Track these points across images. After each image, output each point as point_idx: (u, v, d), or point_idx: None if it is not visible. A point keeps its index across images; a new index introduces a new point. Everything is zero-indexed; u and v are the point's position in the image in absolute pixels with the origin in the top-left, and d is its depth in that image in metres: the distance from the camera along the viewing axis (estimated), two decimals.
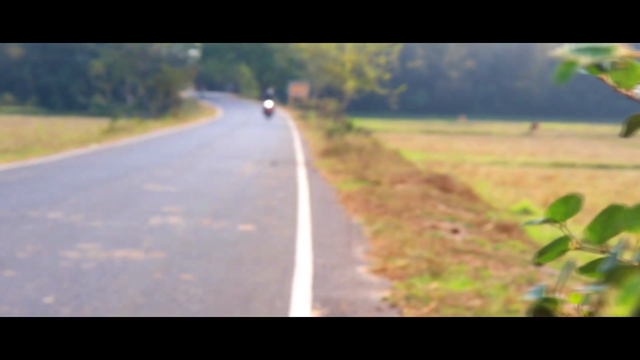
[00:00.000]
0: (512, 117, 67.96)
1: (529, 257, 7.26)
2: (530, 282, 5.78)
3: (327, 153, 18.36)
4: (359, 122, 31.23)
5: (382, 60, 27.66)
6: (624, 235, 0.74)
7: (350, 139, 22.51)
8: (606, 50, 0.73)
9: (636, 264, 0.69)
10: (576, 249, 0.83)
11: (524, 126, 46.44)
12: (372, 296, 5.29)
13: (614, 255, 0.70)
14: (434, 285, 5.50)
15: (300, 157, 17.86)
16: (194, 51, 69.18)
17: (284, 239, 7.24)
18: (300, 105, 54.89)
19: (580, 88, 79.73)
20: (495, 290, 5.38)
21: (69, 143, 19.58)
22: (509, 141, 33.71)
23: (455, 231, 8.09)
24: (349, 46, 27.79)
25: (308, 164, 15.96)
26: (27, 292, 4.92)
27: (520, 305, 5.04)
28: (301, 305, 4.96)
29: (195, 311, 4.70)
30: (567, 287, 0.78)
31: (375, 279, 5.82)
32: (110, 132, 24.84)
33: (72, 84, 61.09)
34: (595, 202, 13.63)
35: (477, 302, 5.08)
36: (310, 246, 6.91)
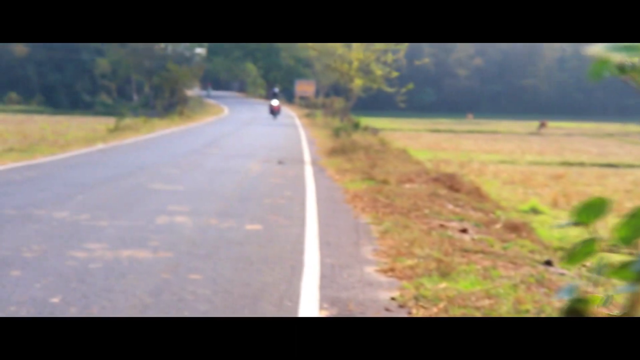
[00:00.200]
0: (519, 115, 67.77)
1: (539, 256, 7.20)
2: (540, 282, 5.72)
3: (334, 152, 18.32)
4: (366, 121, 31.18)
5: (389, 58, 27.59)
6: None
7: (357, 137, 22.46)
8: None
9: None
10: (605, 250, 0.84)
11: (532, 125, 46.29)
12: (381, 296, 5.24)
13: None
14: (443, 285, 5.44)
15: (307, 155, 17.82)
16: (200, 49, 69.23)
17: (291, 238, 7.20)
18: (307, 104, 54.88)
19: (589, 86, 79.46)
20: (505, 290, 5.32)
21: (75, 142, 19.59)
22: (517, 140, 33.61)
23: (463, 230, 8.04)
24: (356, 44, 27.71)
25: (315, 162, 15.92)
26: (34, 292, 4.90)
27: (530, 305, 4.99)
28: (309, 305, 4.91)
29: (204, 311, 4.67)
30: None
31: (383, 278, 5.77)
32: (116, 130, 24.84)
33: (78, 83, 61.15)
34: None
35: (486, 302, 5.03)
36: (318, 246, 6.87)
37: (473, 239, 7.63)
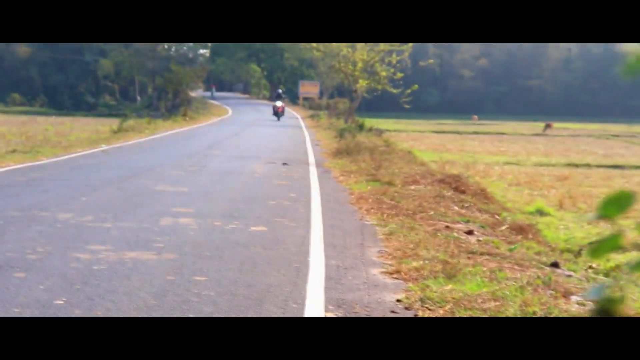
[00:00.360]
0: (525, 116, 67.60)
1: (545, 258, 7.15)
2: (547, 284, 5.67)
3: (339, 153, 18.28)
4: (371, 122, 31.11)
5: (393, 59, 27.55)
6: None
7: (362, 138, 22.40)
8: None
9: None
10: (632, 245, 0.82)
11: (537, 126, 46.19)
12: (387, 298, 5.21)
13: None
14: (449, 287, 5.40)
15: (311, 157, 17.78)
16: (203, 50, 69.26)
17: (296, 240, 7.16)
18: (311, 105, 54.84)
19: (594, 87, 79.29)
20: (511, 292, 5.28)
21: (78, 143, 19.60)
22: (522, 141, 33.53)
23: (469, 232, 7.99)
24: (360, 45, 27.68)
25: (319, 164, 15.88)
26: (38, 293, 4.87)
27: (537, 307, 4.94)
28: (315, 307, 4.88)
29: (208, 313, 4.64)
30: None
31: (389, 280, 5.73)
32: (119, 132, 24.84)
33: (81, 84, 61.17)
34: None
35: (492, 304, 4.98)
36: (323, 247, 6.83)
37: (479, 241, 7.58)
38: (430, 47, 73.66)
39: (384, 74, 27.72)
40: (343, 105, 43.04)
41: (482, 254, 6.77)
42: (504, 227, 8.85)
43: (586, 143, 33.07)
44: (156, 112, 44.44)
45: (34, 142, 18.86)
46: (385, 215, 8.71)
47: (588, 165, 21.23)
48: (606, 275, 6.98)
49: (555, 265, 6.75)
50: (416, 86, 27.34)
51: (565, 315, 4.87)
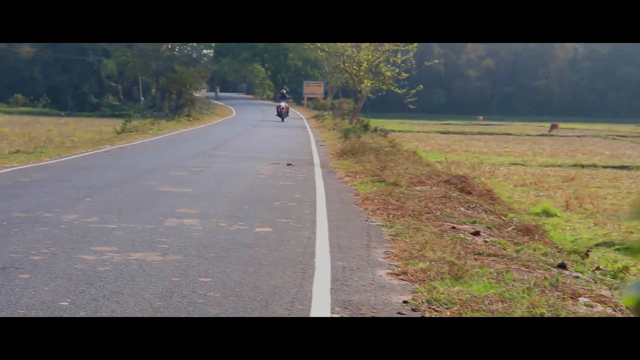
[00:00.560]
0: (531, 117, 67.40)
1: (552, 259, 7.10)
2: (555, 285, 5.63)
3: (344, 154, 18.24)
4: (376, 122, 31.05)
5: (398, 59, 27.48)
6: None
7: (367, 139, 22.35)
8: None
9: None
10: None
11: (543, 126, 46.05)
12: (393, 300, 5.17)
13: None
14: (456, 288, 5.36)
15: (316, 157, 17.75)
16: (207, 50, 69.21)
17: (302, 241, 7.13)
18: (316, 105, 54.79)
19: (601, 87, 79.03)
20: (519, 294, 5.24)
21: (82, 144, 19.60)
22: (528, 141, 33.42)
23: (476, 233, 7.95)
24: (365, 45, 27.62)
25: (324, 164, 15.85)
26: (43, 295, 4.84)
27: (544, 309, 4.89)
28: (321, 308, 4.84)
29: (214, 314, 4.61)
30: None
31: (395, 282, 5.69)
32: (123, 132, 24.85)
33: (84, 84, 61.15)
34: (619, 203, 13.43)
35: (500, 306, 4.94)
36: (329, 248, 6.79)
37: (485, 242, 7.53)
38: (436, 47, 73.50)
39: (388, 74, 27.65)
40: (348, 105, 42.96)
41: (489, 255, 6.73)
42: (510, 228, 8.80)
43: (593, 143, 32.95)
44: (160, 113, 44.43)
45: (37, 143, 18.87)
46: (391, 216, 8.67)
47: (595, 166, 21.12)
48: (614, 277, 6.92)
49: (562, 266, 6.70)
50: (421, 86, 27.26)
51: (573, 316, 4.83)
